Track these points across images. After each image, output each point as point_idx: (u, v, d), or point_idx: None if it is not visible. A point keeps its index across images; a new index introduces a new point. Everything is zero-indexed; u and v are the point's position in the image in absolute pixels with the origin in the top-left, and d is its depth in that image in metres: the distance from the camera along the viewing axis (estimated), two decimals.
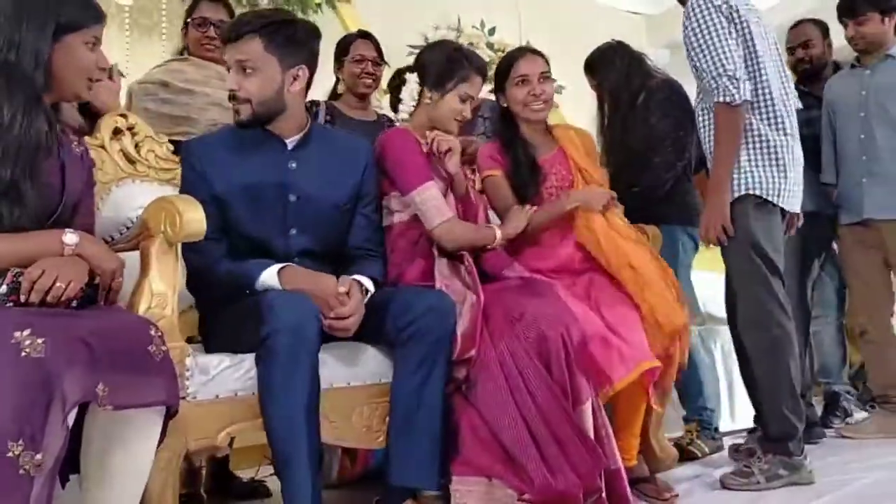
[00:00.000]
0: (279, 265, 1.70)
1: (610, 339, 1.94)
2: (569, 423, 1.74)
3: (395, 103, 2.13)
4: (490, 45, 4.51)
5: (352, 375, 1.76)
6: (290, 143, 1.84)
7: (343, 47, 2.71)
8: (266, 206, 1.79)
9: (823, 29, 3.13)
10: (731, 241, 2.28)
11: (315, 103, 2.60)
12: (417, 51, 4.18)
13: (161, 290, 1.54)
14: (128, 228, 1.86)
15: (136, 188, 1.98)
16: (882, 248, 2.86)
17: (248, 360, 1.61)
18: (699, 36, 2.24)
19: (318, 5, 3.68)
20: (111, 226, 1.89)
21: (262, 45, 1.72)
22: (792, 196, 2.34)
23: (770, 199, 2.28)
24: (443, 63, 2.06)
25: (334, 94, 2.75)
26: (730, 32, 2.25)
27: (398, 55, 3.77)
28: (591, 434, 1.81)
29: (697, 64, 2.27)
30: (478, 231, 2.06)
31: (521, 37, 4.75)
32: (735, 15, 2.28)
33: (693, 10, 2.27)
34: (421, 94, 2.08)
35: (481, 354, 1.78)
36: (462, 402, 1.79)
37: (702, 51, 2.23)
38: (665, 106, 2.64)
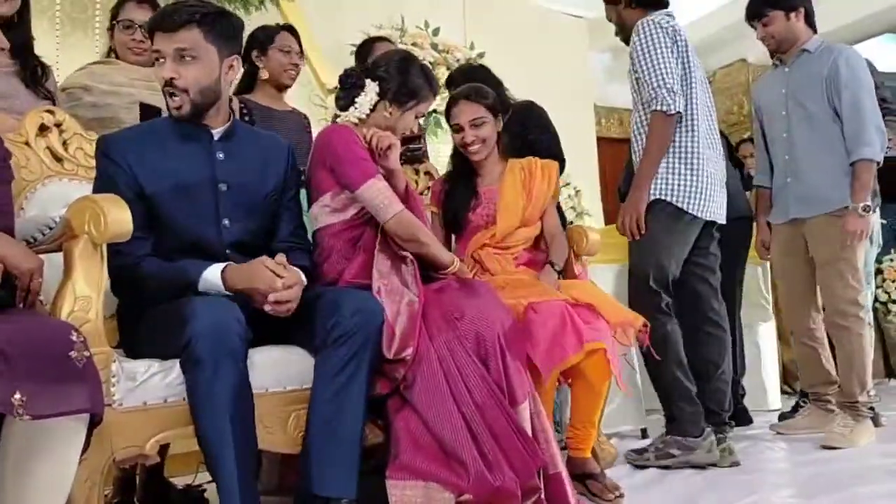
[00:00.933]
0: (222, 264, 1.67)
1: (571, 318, 2.02)
2: (506, 419, 1.74)
3: (346, 104, 2.09)
4: (434, 46, 4.50)
5: (286, 379, 1.72)
6: (217, 133, 1.82)
7: (267, 37, 2.68)
8: (196, 198, 1.76)
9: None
10: (637, 240, 2.50)
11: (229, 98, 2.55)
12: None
13: (85, 294, 1.49)
14: (51, 229, 1.79)
15: (64, 187, 1.91)
16: (805, 248, 2.90)
17: (178, 365, 1.56)
18: (645, 51, 2.47)
19: (262, 2, 3.62)
20: (35, 226, 1.80)
21: (202, 34, 1.71)
22: (710, 204, 2.52)
23: (681, 206, 2.46)
24: (407, 83, 2.08)
25: (246, 87, 2.69)
26: (672, 51, 2.47)
27: (341, 54, 3.74)
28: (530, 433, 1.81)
29: (640, 76, 2.49)
30: (435, 243, 2.06)
31: (466, 38, 4.76)
32: (678, 36, 2.51)
33: (642, 28, 2.50)
34: (378, 103, 2.08)
35: (420, 352, 1.77)
36: (397, 406, 1.77)
37: (646, 64, 2.46)
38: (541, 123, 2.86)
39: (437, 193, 2.48)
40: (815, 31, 2.93)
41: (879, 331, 4.96)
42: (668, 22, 2.54)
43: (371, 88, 2.06)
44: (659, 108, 2.43)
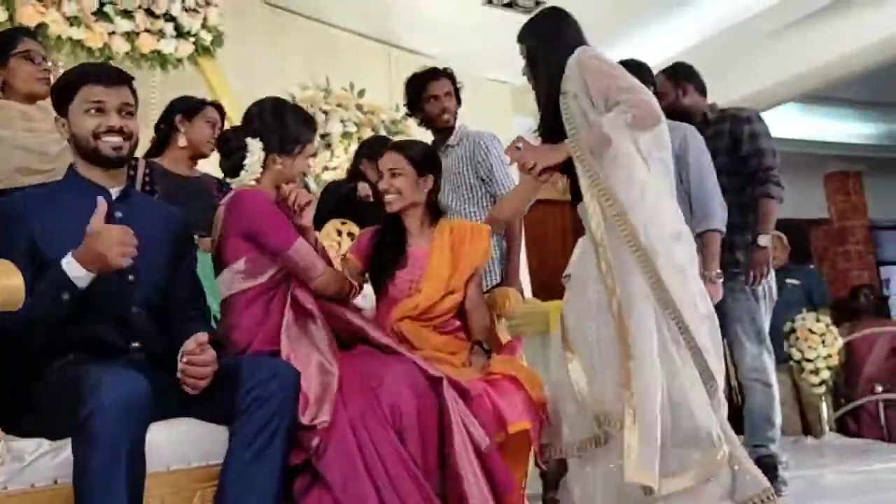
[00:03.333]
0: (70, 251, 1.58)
1: (491, 400, 1.95)
2: (419, 493, 1.68)
3: (234, 169, 2.06)
4: (359, 107, 4.52)
5: (190, 455, 1.62)
6: (114, 192, 1.80)
7: (196, 105, 2.71)
8: None
9: (675, 79, 3.26)
10: None
11: (134, 159, 2.49)
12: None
13: None
14: None
15: None
16: None
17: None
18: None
19: (179, 61, 3.57)
20: None
21: (132, 94, 1.82)
22: None
23: None
24: (288, 130, 2.06)
25: (157, 151, 2.69)
26: None
27: None
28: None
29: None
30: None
31: (391, 99, 4.80)
32: None
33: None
34: (267, 158, 2.05)
35: (333, 420, 1.71)
36: (305, 485, 1.69)
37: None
38: None
39: (363, 247, 2.36)
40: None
41: (795, 388, 5.12)
42: None
43: (255, 146, 2.03)
44: None
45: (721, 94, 4.94)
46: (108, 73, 1.80)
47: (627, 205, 1.98)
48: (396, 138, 2.71)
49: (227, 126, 2.75)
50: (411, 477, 1.69)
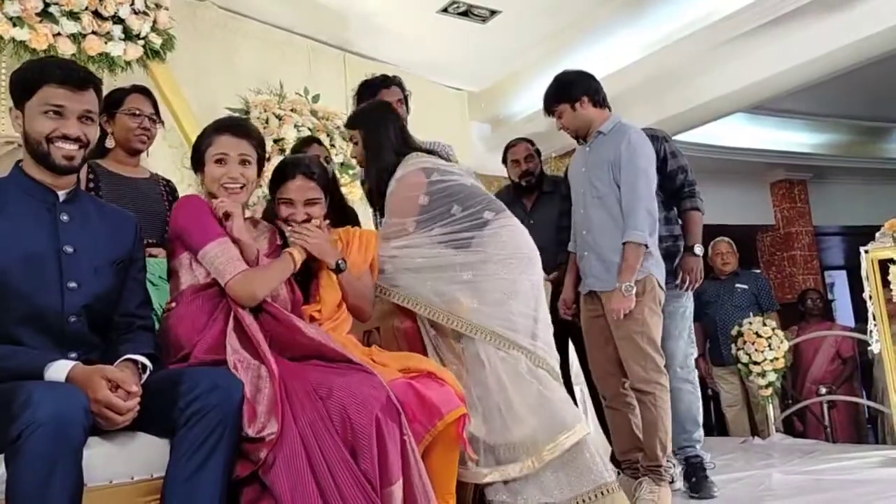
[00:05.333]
0: (70, 363, 1.53)
1: (419, 393, 1.91)
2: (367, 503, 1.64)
3: None
4: (314, 113, 4.48)
5: (133, 469, 1.58)
6: (62, 195, 1.74)
7: (116, 100, 2.53)
8: (39, 262, 1.65)
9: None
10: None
11: None
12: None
13: None
14: None
15: None
16: (605, 319, 2.95)
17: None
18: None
19: (129, 63, 3.49)
20: None
21: (98, 95, 1.77)
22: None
23: None
24: (195, 146, 2.07)
25: (100, 152, 2.53)
26: None
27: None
28: None
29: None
30: (274, 269, 1.99)
31: (346, 104, 4.78)
32: None
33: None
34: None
35: (282, 431, 1.67)
36: (253, 496, 1.66)
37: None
38: None
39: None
40: (605, 109, 3.04)
41: (744, 390, 5.23)
42: None
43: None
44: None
45: (670, 104, 5.06)
46: (74, 76, 1.70)
47: None
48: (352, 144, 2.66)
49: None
50: (361, 491, 1.64)
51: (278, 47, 4.88)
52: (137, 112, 2.52)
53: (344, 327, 2.21)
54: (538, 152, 3.80)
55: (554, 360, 2.40)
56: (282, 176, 2.21)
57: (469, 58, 5.45)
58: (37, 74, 1.70)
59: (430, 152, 2.57)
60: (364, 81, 3.18)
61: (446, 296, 2.33)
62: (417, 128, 3.02)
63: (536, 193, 3.72)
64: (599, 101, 3.02)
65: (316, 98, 4.53)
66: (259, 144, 2.09)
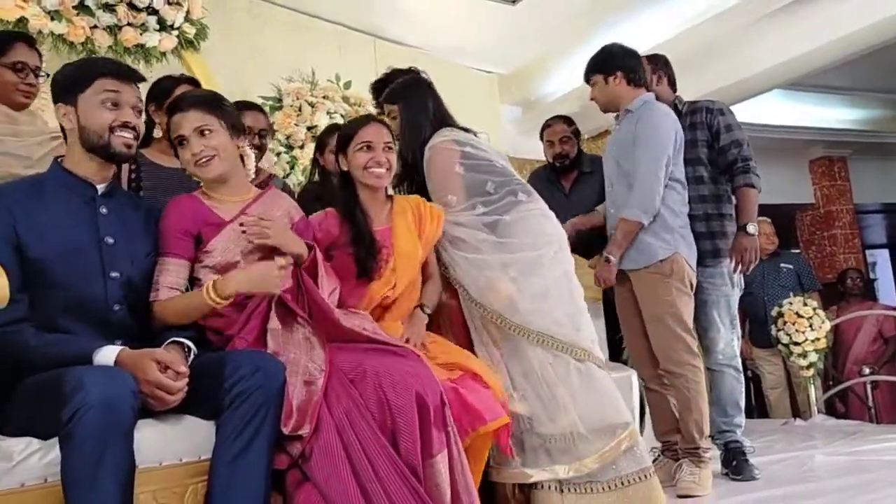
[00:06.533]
0: (118, 347, 1.56)
1: (462, 399, 1.90)
2: (407, 489, 1.65)
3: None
4: (345, 99, 4.49)
5: (181, 451, 1.61)
6: (101, 188, 1.80)
7: (165, 90, 2.50)
8: (82, 254, 1.70)
9: (654, 64, 3.27)
10: None
11: None
12: (270, 103, 4.15)
13: None
14: None
15: None
16: (635, 299, 2.95)
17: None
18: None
19: (163, 54, 3.53)
20: None
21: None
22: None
23: None
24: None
25: (145, 141, 2.49)
26: None
27: None
28: (448, 489, 1.72)
29: None
30: (187, 307, 1.83)
31: None
32: None
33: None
34: None
35: (318, 423, 1.69)
36: (297, 479, 1.68)
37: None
38: None
39: (329, 232, 2.23)
40: (641, 89, 2.99)
41: (786, 371, 5.16)
42: None
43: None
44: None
45: (706, 82, 4.96)
46: (124, 69, 1.81)
47: None
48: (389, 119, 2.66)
49: None
50: (401, 477, 1.65)
51: (308, 34, 4.88)
52: None
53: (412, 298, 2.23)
54: (576, 133, 3.73)
55: (599, 348, 2.38)
56: (355, 124, 2.29)
57: (499, 40, 5.40)
58: (89, 68, 1.77)
59: (466, 130, 2.56)
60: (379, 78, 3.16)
61: (483, 284, 2.31)
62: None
63: (575, 174, 3.68)
64: (635, 79, 2.99)
65: (347, 84, 4.54)
66: (222, 113, 2.01)
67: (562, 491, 2.14)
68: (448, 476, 1.73)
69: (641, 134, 2.86)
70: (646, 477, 2.19)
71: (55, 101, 1.77)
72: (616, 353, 3.37)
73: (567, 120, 3.75)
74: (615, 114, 3.08)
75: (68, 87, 1.76)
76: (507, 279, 2.28)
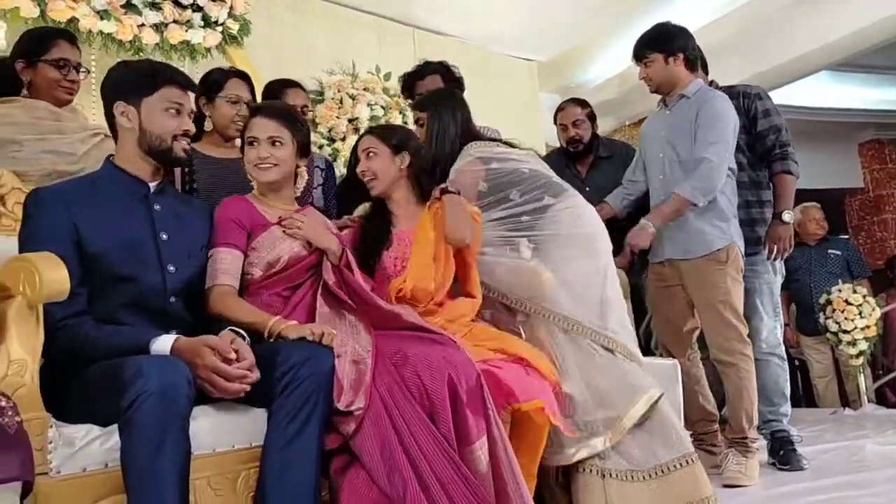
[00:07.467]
0: (173, 336, 1.61)
1: (506, 373, 1.93)
2: (452, 467, 1.68)
3: None
4: (386, 91, 4.52)
5: (233, 438, 1.66)
6: (153, 186, 1.86)
7: (215, 83, 2.50)
8: (139, 249, 1.76)
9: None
10: None
11: None
12: (312, 96, 4.19)
13: (20, 357, 1.43)
14: None
15: (3, 243, 1.82)
16: (681, 288, 2.92)
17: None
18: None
19: (208, 50, 3.60)
20: None
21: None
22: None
23: None
24: None
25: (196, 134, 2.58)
26: None
27: None
28: (489, 473, 1.75)
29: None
30: (248, 312, 1.88)
31: None
32: None
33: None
34: None
35: (367, 401, 1.74)
36: (342, 464, 1.73)
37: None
38: None
39: (352, 232, 2.35)
40: (695, 74, 2.96)
41: (834, 360, 5.06)
42: None
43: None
44: None
45: (751, 64, 4.86)
46: (187, 79, 1.89)
47: None
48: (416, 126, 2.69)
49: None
50: (442, 451, 1.69)
51: (348, 27, 4.92)
52: (236, 99, 2.49)
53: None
54: (591, 116, 3.57)
55: (629, 340, 2.38)
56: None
57: (538, 27, 5.36)
58: (155, 73, 1.83)
59: (491, 140, 2.58)
60: (406, 74, 3.21)
61: (503, 277, 2.33)
62: (487, 100, 3.03)
63: (591, 158, 3.54)
64: (692, 63, 2.94)
65: (387, 76, 4.57)
66: (296, 131, 2.09)
67: (603, 476, 2.15)
68: (489, 461, 1.76)
69: (706, 120, 2.80)
70: (688, 462, 2.19)
71: (112, 98, 1.81)
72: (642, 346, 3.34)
73: (581, 103, 3.60)
74: (660, 97, 3.03)
75: (132, 87, 1.80)
76: (522, 262, 2.34)
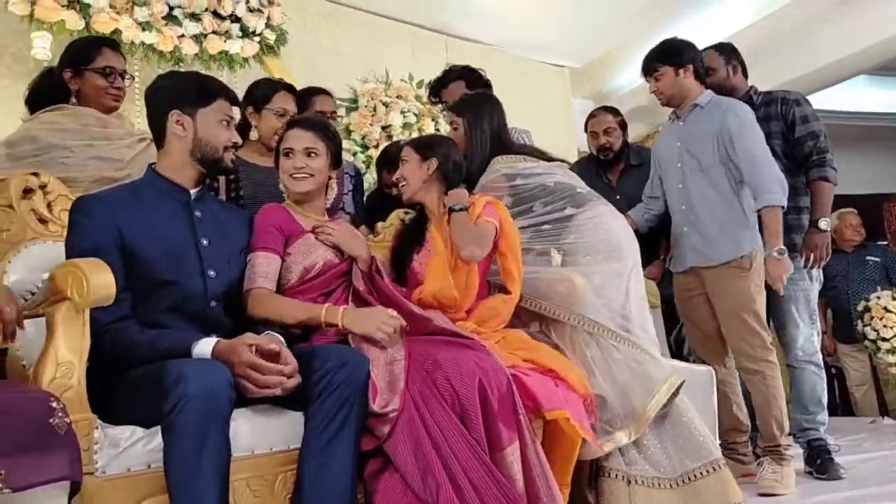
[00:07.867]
0: (214, 339, 1.65)
1: (533, 382, 1.95)
2: (484, 470, 1.70)
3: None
4: (418, 98, 4.56)
5: (272, 440, 1.69)
6: (193, 193, 1.91)
7: (263, 95, 2.58)
8: (181, 255, 1.81)
9: (726, 55, 3.22)
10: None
11: None
12: (346, 104, 4.25)
13: (67, 359, 1.47)
14: (33, 294, 1.77)
15: (49, 249, 1.87)
16: (705, 297, 2.91)
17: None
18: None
19: (246, 60, 3.67)
20: (17, 291, 1.78)
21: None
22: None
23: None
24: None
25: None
26: None
27: None
28: (521, 478, 1.76)
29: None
30: (294, 308, 1.96)
31: None
32: None
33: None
34: None
35: (401, 403, 1.76)
36: (376, 468, 1.75)
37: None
38: None
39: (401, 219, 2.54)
40: (706, 86, 2.97)
41: (872, 368, 4.97)
42: None
43: None
44: None
45: (785, 70, 4.81)
46: (235, 94, 1.98)
47: None
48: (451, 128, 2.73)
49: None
50: (478, 459, 1.71)
51: (381, 35, 4.98)
52: (283, 112, 2.55)
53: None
54: (623, 124, 3.57)
55: (651, 345, 2.38)
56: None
57: (570, 34, 5.37)
58: (210, 86, 1.91)
59: (519, 152, 2.60)
60: (435, 80, 3.25)
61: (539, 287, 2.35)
62: (519, 107, 3.03)
63: (622, 166, 3.53)
64: (701, 75, 2.95)
65: (420, 84, 4.60)
66: (331, 143, 2.15)
67: (629, 483, 2.15)
68: (520, 467, 1.78)
69: (738, 126, 2.80)
70: (714, 469, 2.18)
71: (167, 107, 1.86)
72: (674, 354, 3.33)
73: (613, 111, 3.61)
74: (671, 111, 3.04)
75: (189, 98, 1.86)
76: (544, 269, 2.38)
